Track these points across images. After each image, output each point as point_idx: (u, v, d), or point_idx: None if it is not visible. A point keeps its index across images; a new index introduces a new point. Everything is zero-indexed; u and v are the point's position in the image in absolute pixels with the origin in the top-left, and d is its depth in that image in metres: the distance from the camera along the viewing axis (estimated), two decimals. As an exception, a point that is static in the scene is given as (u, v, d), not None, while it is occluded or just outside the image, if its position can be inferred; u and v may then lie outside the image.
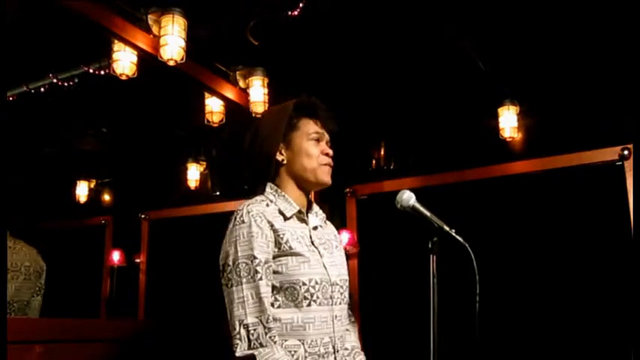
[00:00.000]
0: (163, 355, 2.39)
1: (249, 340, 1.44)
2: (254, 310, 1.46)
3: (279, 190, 1.67)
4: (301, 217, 1.67)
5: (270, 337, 1.45)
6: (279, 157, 1.68)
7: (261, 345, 1.44)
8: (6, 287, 2.32)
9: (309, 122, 1.70)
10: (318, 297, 1.56)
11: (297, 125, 1.69)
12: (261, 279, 1.49)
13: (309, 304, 1.54)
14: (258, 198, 1.65)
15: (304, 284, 1.54)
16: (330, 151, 1.70)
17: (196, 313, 3.88)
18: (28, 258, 2.64)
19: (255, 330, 1.45)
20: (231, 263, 1.50)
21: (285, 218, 1.62)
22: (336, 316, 1.60)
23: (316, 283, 1.56)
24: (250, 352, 1.43)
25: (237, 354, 1.44)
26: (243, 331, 1.44)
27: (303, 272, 1.55)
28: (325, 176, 1.68)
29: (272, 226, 1.56)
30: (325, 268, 1.61)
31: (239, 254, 1.50)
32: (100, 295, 4.54)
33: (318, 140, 1.68)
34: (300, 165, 1.66)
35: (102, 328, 2.37)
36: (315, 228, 1.69)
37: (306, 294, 1.54)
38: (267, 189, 1.68)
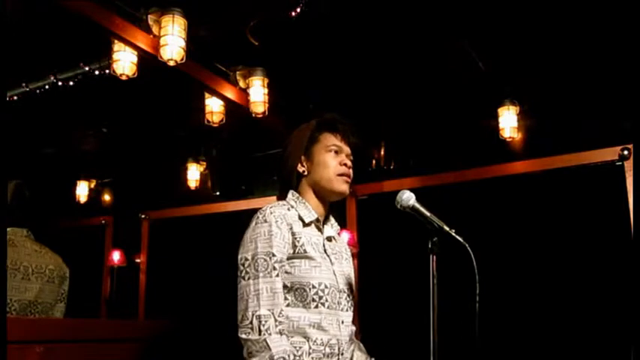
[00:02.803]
0: (163, 355, 2.39)
1: (260, 330, 1.52)
2: (267, 302, 1.55)
3: (300, 198, 1.77)
4: (318, 225, 1.76)
5: (279, 330, 1.54)
6: (301, 169, 1.79)
7: (270, 335, 1.52)
8: (6, 287, 2.33)
9: (330, 136, 1.80)
10: (326, 300, 1.64)
11: (318, 139, 1.80)
12: (277, 275, 1.59)
13: (317, 306, 1.62)
14: (280, 202, 1.75)
15: (314, 287, 1.63)
16: (349, 163, 1.79)
17: (196, 312, 3.87)
18: (53, 262, 2.69)
19: (266, 321, 1.53)
20: (250, 258, 1.60)
21: (304, 224, 1.71)
22: (342, 322, 1.69)
23: (325, 287, 1.65)
24: (261, 337, 1.51)
25: (252, 338, 1.52)
26: (255, 322, 1.53)
27: (313, 276, 1.64)
28: (341, 185, 1.76)
29: (291, 228, 1.66)
30: (335, 275, 1.70)
31: (258, 250, 1.60)
32: (100, 295, 4.54)
33: (337, 152, 1.78)
34: (318, 175, 1.76)
35: (102, 328, 2.37)
36: (329, 239, 1.78)
37: (314, 296, 1.62)
38: (290, 195, 1.78)
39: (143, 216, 4.40)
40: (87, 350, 2.10)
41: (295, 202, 1.75)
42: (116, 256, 4.46)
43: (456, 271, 1.60)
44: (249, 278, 1.58)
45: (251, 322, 1.53)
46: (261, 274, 1.57)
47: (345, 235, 3.50)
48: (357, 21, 2.99)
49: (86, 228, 4.79)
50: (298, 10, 2.81)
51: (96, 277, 4.56)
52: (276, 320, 1.54)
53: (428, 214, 1.57)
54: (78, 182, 4.80)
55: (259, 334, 1.51)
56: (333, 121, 1.82)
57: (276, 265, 1.59)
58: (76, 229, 4.82)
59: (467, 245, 1.51)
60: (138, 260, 4.38)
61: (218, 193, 4.40)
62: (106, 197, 4.97)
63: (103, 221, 4.67)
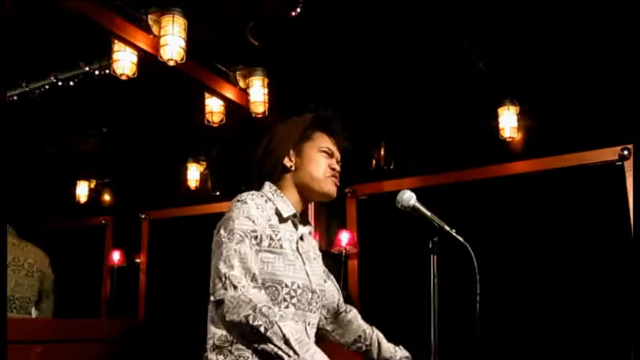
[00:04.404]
0: (163, 355, 2.39)
1: (236, 287, 1.40)
2: (240, 265, 1.45)
3: (278, 191, 1.68)
4: (295, 221, 1.68)
5: (255, 287, 1.43)
6: (288, 163, 1.69)
7: (248, 290, 1.41)
8: (6, 288, 2.32)
9: (324, 136, 1.73)
10: (297, 301, 1.57)
11: (311, 136, 1.72)
12: (250, 248, 1.49)
13: (287, 307, 1.55)
14: (257, 193, 1.65)
15: (286, 286, 1.56)
16: (338, 168, 1.72)
17: (196, 313, 3.87)
18: (33, 256, 2.66)
19: (240, 281, 1.42)
20: (226, 233, 1.51)
21: (281, 219, 1.63)
22: (309, 323, 1.62)
23: (298, 287, 1.58)
24: (237, 292, 1.39)
25: (227, 296, 1.40)
26: (228, 282, 1.42)
27: (287, 274, 1.57)
28: (330, 187, 1.70)
29: (269, 220, 1.59)
30: (308, 275, 1.63)
31: (235, 226, 1.51)
32: (100, 295, 4.54)
33: (328, 155, 1.71)
34: (307, 173, 1.68)
35: (102, 328, 2.37)
36: (301, 238, 1.69)
37: (286, 295, 1.55)
38: (266, 187, 1.69)
39: (143, 216, 4.39)
40: (87, 350, 2.10)
41: (272, 194, 1.66)
42: (116, 256, 4.46)
43: (456, 271, 1.60)
44: (221, 245, 1.49)
45: (224, 284, 1.41)
46: (234, 242, 1.48)
47: (345, 235, 3.50)
48: (357, 21, 3.00)
49: (86, 228, 4.79)
50: (298, 10, 2.81)
51: (96, 277, 4.55)
52: (249, 283, 1.42)
53: (428, 213, 1.57)
54: (78, 182, 4.80)
55: (235, 290, 1.39)
56: (328, 122, 1.75)
57: (247, 241, 1.49)
58: (76, 229, 4.82)
59: (467, 245, 1.51)
60: (138, 260, 4.38)
61: (218, 193, 4.40)
62: (106, 197, 4.96)
63: (103, 221, 4.67)
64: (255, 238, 1.52)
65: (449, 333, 1.57)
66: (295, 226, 1.68)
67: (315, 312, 1.65)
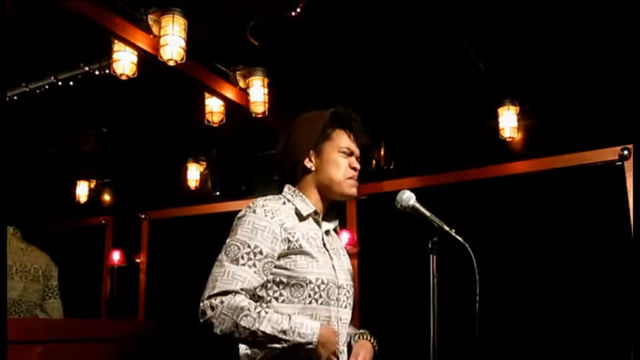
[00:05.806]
0: (163, 355, 2.39)
1: (213, 307, 1.46)
2: (222, 285, 1.49)
3: (297, 191, 1.69)
4: (317, 218, 1.69)
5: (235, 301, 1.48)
6: (308, 165, 1.70)
7: (224, 302, 1.47)
8: (6, 287, 2.32)
9: (343, 135, 1.73)
10: (321, 296, 1.58)
11: (330, 135, 1.72)
12: (244, 265, 1.52)
13: (310, 302, 1.57)
14: (275, 196, 1.68)
15: (311, 282, 1.57)
16: (358, 166, 1.73)
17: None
18: (39, 261, 2.68)
19: (222, 300, 1.47)
20: (226, 245, 1.56)
21: (301, 218, 1.65)
22: (340, 319, 1.63)
23: (322, 282, 1.59)
24: (216, 311, 1.46)
25: (209, 315, 1.46)
26: (207, 302, 1.48)
27: (310, 271, 1.58)
28: (350, 189, 1.71)
29: (283, 224, 1.59)
30: (334, 270, 1.64)
31: (236, 237, 1.56)
32: (100, 295, 4.54)
33: (347, 155, 1.72)
34: (327, 175, 1.69)
35: (102, 328, 2.37)
36: (327, 233, 1.72)
37: (311, 292, 1.57)
38: (285, 189, 1.71)
39: (143, 216, 4.40)
40: (87, 350, 2.10)
41: (292, 195, 1.68)
42: (116, 256, 4.46)
43: (456, 271, 1.60)
44: (215, 264, 1.54)
45: (204, 306, 1.47)
46: (228, 261, 1.52)
47: (345, 235, 3.50)
48: (357, 21, 2.99)
49: (86, 228, 4.79)
50: (298, 10, 2.81)
51: (96, 277, 4.56)
52: (227, 295, 1.47)
53: (428, 214, 1.57)
54: (78, 182, 4.81)
55: (212, 311, 1.46)
56: (348, 119, 1.75)
57: (245, 256, 1.52)
58: (76, 229, 4.82)
59: (467, 245, 1.51)
60: (138, 260, 4.39)
61: (218, 193, 4.40)
62: (106, 197, 4.97)
63: (103, 221, 4.67)
64: (253, 251, 1.54)
65: (449, 333, 1.57)
66: (318, 224, 1.70)
67: (346, 307, 1.66)
